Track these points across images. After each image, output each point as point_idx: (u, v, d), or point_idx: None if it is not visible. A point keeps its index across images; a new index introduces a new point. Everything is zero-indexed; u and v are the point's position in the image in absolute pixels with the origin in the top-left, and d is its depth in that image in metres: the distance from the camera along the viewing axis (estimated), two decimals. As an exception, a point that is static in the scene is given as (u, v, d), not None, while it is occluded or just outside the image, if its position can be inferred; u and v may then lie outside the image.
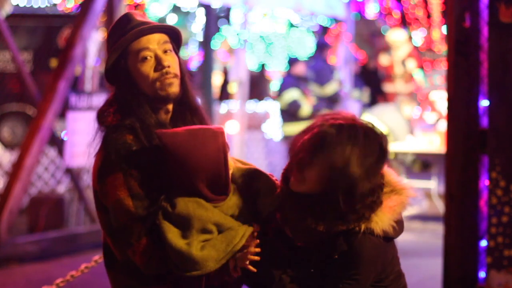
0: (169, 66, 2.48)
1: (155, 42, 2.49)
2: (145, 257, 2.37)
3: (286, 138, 10.39)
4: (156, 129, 2.43)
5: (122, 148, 2.41)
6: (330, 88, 10.35)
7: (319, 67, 10.53)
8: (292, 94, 9.94)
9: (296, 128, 10.16)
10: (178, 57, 2.56)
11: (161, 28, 2.52)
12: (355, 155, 2.27)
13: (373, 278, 2.37)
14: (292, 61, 10.43)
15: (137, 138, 2.43)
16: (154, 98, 2.49)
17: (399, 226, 2.38)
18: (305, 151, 2.33)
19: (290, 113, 10.04)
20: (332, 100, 10.42)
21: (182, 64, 2.57)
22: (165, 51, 2.50)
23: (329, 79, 10.39)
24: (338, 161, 2.26)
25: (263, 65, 16.31)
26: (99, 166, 2.45)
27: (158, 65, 2.47)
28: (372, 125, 2.35)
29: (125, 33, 2.48)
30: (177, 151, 2.34)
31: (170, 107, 2.53)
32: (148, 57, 2.48)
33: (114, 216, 2.41)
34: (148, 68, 2.47)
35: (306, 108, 9.87)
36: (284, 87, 10.11)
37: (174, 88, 2.49)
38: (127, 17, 2.53)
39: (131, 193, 2.39)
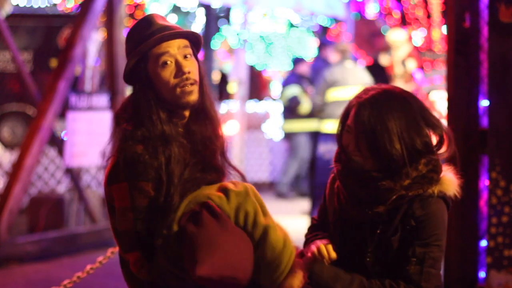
0: (189, 72, 2.47)
1: (175, 47, 2.48)
2: (136, 267, 2.43)
3: (286, 135, 10.43)
4: (161, 141, 2.43)
5: (131, 158, 2.41)
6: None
7: (318, 67, 10.53)
8: (293, 90, 9.99)
9: (295, 125, 10.17)
10: (198, 62, 2.55)
11: (183, 34, 2.51)
12: (395, 115, 2.40)
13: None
14: (297, 61, 10.52)
15: (147, 150, 2.42)
16: (172, 104, 2.49)
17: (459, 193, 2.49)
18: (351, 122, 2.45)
19: (290, 110, 10.08)
20: None
21: (202, 69, 2.57)
22: (185, 56, 2.50)
23: None
24: (382, 124, 2.39)
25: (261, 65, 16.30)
26: (109, 170, 2.47)
27: (178, 71, 2.47)
28: (406, 90, 2.50)
29: (146, 37, 2.47)
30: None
31: (187, 113, 2.53)
32: (169, 62, 2.47)
33: (118, 221, 2.45)
34: (168, 73, 2.47)
35: (306, 105, 9.89)
36: (285, 84, 10.20)
37: (194, 95, 2.49)
38: (148, 20, 2.52)
39: (134, 205, 2.41)
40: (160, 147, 2.43)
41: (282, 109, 10.41)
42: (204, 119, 2.54)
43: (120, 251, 2.50)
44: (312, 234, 2.68)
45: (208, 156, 2.51)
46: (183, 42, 2.51)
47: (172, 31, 2.48)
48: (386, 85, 2.50)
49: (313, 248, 2.50)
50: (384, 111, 2.40)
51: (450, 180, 2.48)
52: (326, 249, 2.48)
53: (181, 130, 2.51)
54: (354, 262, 2.48)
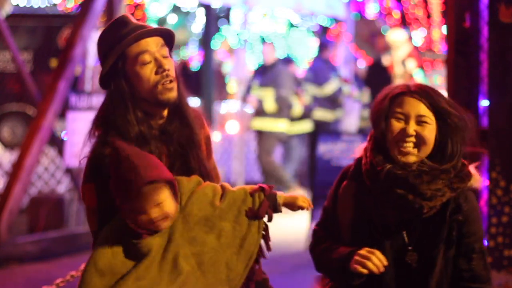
0: (169, 70, 2.48)
1: (154, 45, 2.49)
2: None
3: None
4: (138, 142, 2.44)
5: (98, 161, 2.44)
6: (329, 88, 10.33)
7: (317, 67, 10.52)
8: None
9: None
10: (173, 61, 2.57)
11: (159, 31, 2.52)
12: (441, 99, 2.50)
13: None
14: (285, 61, 10.47)
15: (114, 152, 2.42)
16: (152, 103, 2.49)
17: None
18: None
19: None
20: (332, 99, 10.40)
21: (177, 69, 2.58)
22: (163, 56, 2.50)
23: (328, 79, 10.37)
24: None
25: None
26: (84, 171, 2.52)
27: (159, 68, 2.47)
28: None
29: (123, 36, 2.47)
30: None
31: (165, 112, 2.54)
32: (148, 60, 2.47)
33: (87, 221, 2.53)
34: (148, 71, 2.47)
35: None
36: None
37: (174, 93, 2.50)
38: (123, 20, 2.52)
39: (100, 206, 2.46)
40: (137, 147, 2.43)
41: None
42: (181, 119, 2.54)
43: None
44: (325, 244, 2.62)
45: (186, 158, 2.51)
46: (160, 40, 2.51)
47: (149, 29, 2.49)
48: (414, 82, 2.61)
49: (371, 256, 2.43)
50: (436, 95, 2.51)
51: (475, 174, 2.55)
52: (377, 256, 2.43)
53: (157, 132, 2.51)
54: (391, 262, 2.47)
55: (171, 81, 2.49)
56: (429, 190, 2.43)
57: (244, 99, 9.67)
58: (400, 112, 2.49)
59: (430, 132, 2.47)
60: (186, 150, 2.52)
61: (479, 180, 2.55)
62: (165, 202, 2.33)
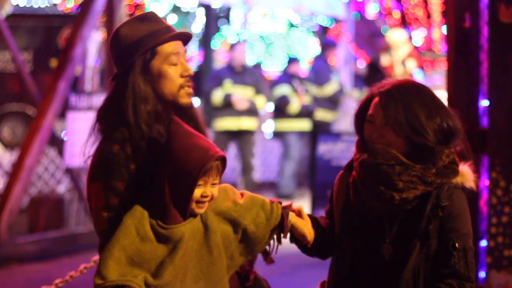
0: (192, 74, 2.51)
1: (181, 48, 2.51)
2: None
3: (277, 134, 10.42)
4: (145, 142, 2.42)
5: (105, 159, 2.41)
6: (329, 88, 10.33)
7: (317, 68, 10.52)
8: (283, 89, 9.97)
9: (285, 124, 10.15)
10: None
11: (187, 35, 2.56)
12: (420, 101, 2.47)
13: None
14: (291, 60, 10.49)
15: (123, 150, 2.41)
16: (168, 103, 2.49)
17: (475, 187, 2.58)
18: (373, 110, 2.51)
19: (279, 109, 10.07)
20: (333, 100, 10.41)
21: None
22: (186, 60, 2.54)
23: (328, 79, 10.38)
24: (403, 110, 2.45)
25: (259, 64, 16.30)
26: (89, 170, 2.47)
27: (184, 71, 2.49)
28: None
29: (156, 31, 2.47)
30: (170, 140, 2.35)
31: (172, 113, 2.53)
32: (178, 62, 2.49)
33: (94, 222, 2.45)
34: (176, 72, 2.48)
35: (295, 105, 9.89)
36: (276, 83, 10.17)
37: (191, 98, 2.52)
38: (153, 16, 2.53)
39: (108, 204, 2.40)
40: (142, 148, 2.42)
41: (272, 108, 10.38)
42: (190, 120, 2.54)
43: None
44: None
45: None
46: (182, 44, 2.53)
47: (182, 31, 2.52)
48: (406, 78, 2.58)
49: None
50: (410, 96, 2.47)
51: (468, 173, 2.55)
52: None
53: (163, 133, 2.48)
54: (369, 253, 2.50)
55: (191, 86, 2.51)
56: (401, 182, 2.44)
57: (227, 99, 9.29)
58: (370, 115, 2.52)
59: (398, 131, 2.46)
60: None
61: (470, 179, 2.54)
62: (217, 184, 2.36)
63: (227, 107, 9.13)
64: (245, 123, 9.24)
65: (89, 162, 2.48)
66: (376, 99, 2.50)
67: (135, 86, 2.45)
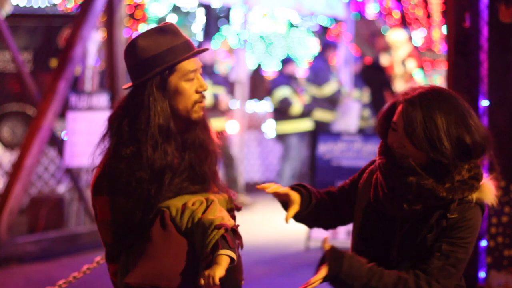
0: (206, 90, 2.53)
1: (198, 64, 2.52)
2: (116, 277, 2.52)
3: (278, 136, 10.41)
4: (152, 164, 2.43)
5: (113, 175, 2.44)
6: (328, 89, 10.33)
7: (317, 68, 10.52)
8: (283, 91, 9.96)
9: (287, 126, 10.14)
10: None
11: (203, 51, 2.55)
12: (445, 112, 2.41)
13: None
14: (285, 61, 10.47)
15: (130, 167, 2.43)
16: (183, 117, 2.50)
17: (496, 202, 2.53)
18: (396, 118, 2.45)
19: (281, 111, 10.06)
20: (332, 100, 10.40)
21: None
22: (201, 74, 2.54)
23: (327, 80, 10.37)
24: (422, 121, 2.39)
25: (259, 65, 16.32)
26: (94, 180, 2.51)
27: (199, 87, 2.50)
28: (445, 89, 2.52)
29: (175, 47, 2.47)
30: None
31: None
32: (193, 78, 2.49)
33: (99, 232, 2.51)
34: (192, 88, 2.48)
35: (297, 107, 9.88)
36: (275, 85, 10.14)
37: (203, 111, 2.53)
38: (173, 29, 2.51)
39: (113, 219, 2.45)
40: (148, 166, 2.43)
41: (273, 110, 10.37)
42: (202, 131, 2.55)
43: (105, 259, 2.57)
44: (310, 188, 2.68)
45: (200, 165, 2.52)
46: (198, 59, 2.54)
47: (201, 49, 2.52)
48: (434, 85, 2.53)
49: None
50: (433, 108, 2.40)
51: (489, 189, 2.51)
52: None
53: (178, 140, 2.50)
54: (377, 253, 2.50)
55: (204, 101, 2.52)
56: (411, 192, 2.42)
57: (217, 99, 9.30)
58: (394, 122, 2.47)
59: (407, 142, 2.42)
60: (202, 159, 2.53)
61: (490, 195, 2.50)
62: None
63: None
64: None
65: (95, 171, 2.51)
66: (400, 107, 2.45)
67: (152, 101, 2.45)
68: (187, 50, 2.48)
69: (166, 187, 2.44)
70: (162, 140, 2.44)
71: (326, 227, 2.75)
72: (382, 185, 2.49)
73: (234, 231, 2.42)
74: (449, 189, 2.41)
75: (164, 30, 2.51)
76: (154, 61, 2.45)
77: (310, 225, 2.74)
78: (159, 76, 2.46)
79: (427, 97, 2.42)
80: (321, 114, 10.33)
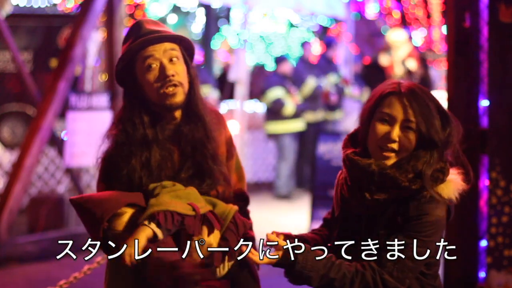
0: (173, 75, 2.50)
1: (161, 50, 2.51)
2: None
3: (270, 136, 10.42)
4: (140, 144, 2.49)
5: (106, 161, 2.55)
6: (306, 88, 10.36)
7: (296, 70, 10.53)
8: (276, 92, 9.97)
9: (280, 126, 10.15)
10: (188, 65, 2.57)
11: (171, 37, 2.54)
12: (432, 105, 2.42)
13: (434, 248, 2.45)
14: (279, 60, 10.46)
15: (120, 154, 2.50)
16: (158, 105, 2.53)
17: (459, 198, 2.48)
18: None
19: (274, 112, 10.07)
20: (313, 97, 10.39)
21: (192, 72, 2.59)
22: (170, 59, 2.52)
23: (303, 80, 10.40)
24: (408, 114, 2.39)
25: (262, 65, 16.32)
26: (99, 169, 2.62)
27: (161, 74, 2.50)
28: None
29: (134, 40, 2.52)
30: None
31: (177, 114, 2.56)
32: (153, 65, 2.50)
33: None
34: (152, 76, 2.51)
35: (290, 107, 9.89)
36: (268, 85, 10.15)
37: (177, 97, 2.52)
38: (138, 25, 2.56)
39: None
40: (138, 151, 2.48)
41: (265, 110, 10.39)
42: (195, 121, 2.55)
43: None
44: (312, 231, 2.70)
45: (199, 160, 2.52)
46: (170, 45, 2.53)
47: (157, 35, 2.51)
48: (406, 80, 2.51)
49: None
50: (426, 101, 2.42)
51: (454, 183, 2.46)
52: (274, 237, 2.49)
53: (169, 133, 2.54)
54: (351, 253, 2.48)
55: (175, 86, 2.50)
56: (373, 183, 2.40)
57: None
58: (387, 114, 2.42)
59: (413, 138, 2.41)
60: (199, 151, 2.53)
61: (454, 190, 2.44)
62: None
63: None
64: None
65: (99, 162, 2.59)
66: (393, 99, 2.42)
67: (125, 95, 2.60)
68: (144, 40, 2.52)
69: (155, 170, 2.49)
70: (148, 127, 2.56)
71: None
72: (346, 179, 2.48)
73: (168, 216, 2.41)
74: (412, 180, 2.39)
75: (131, 27, 2.59)
76: (120, 59, 2.57)
77: None
78: (128, 72, 2.55)
79: (416, 91, 2.43)
80: (310, 116, 10.36)
